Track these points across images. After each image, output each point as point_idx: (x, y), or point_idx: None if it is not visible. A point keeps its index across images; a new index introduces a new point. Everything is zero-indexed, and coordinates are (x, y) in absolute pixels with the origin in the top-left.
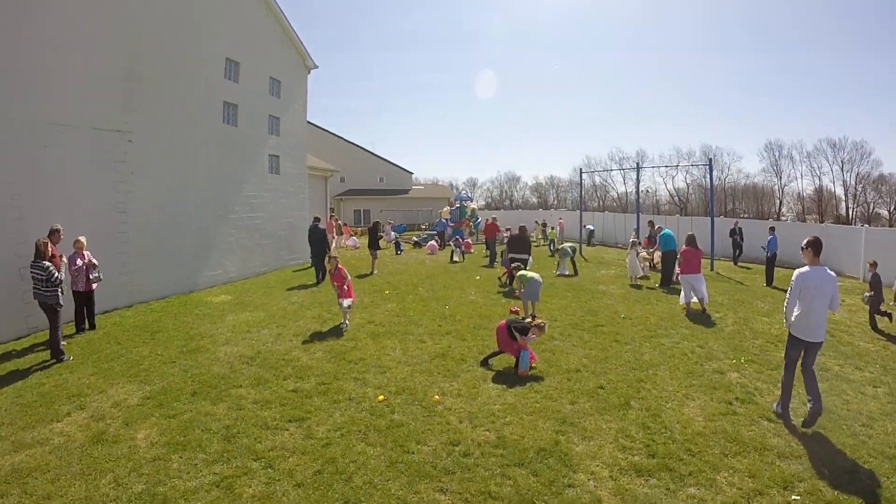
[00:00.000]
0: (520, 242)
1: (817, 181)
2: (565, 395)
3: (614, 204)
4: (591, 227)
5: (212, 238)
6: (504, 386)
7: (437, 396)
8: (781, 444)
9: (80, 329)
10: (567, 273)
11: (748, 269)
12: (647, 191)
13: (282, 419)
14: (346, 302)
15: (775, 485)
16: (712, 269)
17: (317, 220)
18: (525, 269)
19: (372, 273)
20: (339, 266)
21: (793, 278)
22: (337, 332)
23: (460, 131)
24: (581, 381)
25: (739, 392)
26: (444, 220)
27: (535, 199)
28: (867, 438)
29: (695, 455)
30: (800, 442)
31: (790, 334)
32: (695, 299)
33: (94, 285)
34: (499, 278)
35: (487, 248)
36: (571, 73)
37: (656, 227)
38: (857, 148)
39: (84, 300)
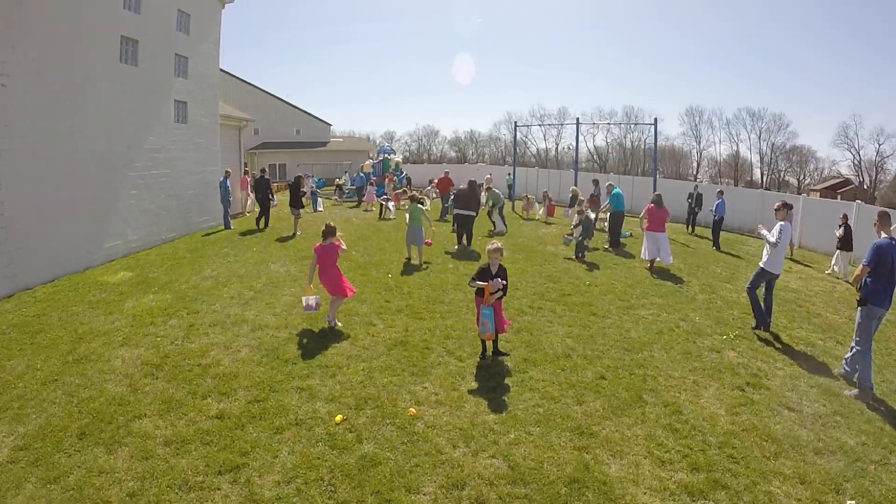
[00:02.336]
0: (468, 198)
1: (735, 147)
2: (566, 391)
3: (533, 160)
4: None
5: (109, 201)
6: (490, 384)
7: (412, 409)
8: (812, 438)
9: None
10: (501, 230)
11: (708, 239)
12: (569, 147)
13: (207, 470)
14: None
15: (828, 489)
16: None
17: (263, 171)
18: (420, 207)
19: (294, 235)
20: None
21: (776, 229)
22: (264, 316)
23: (378, 82)
24: (577, 371)
25: (746, 375)
26: (363, 174)
27: (453, 153)
28: (883, 424)
29: (738, 462)
30: (825, 432)
31: (762, 268)
32: (659, 258)
33: None
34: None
35: (443, 203)
36: (494, 29)
37: (607, 184)
38: (775, 119)
39: None
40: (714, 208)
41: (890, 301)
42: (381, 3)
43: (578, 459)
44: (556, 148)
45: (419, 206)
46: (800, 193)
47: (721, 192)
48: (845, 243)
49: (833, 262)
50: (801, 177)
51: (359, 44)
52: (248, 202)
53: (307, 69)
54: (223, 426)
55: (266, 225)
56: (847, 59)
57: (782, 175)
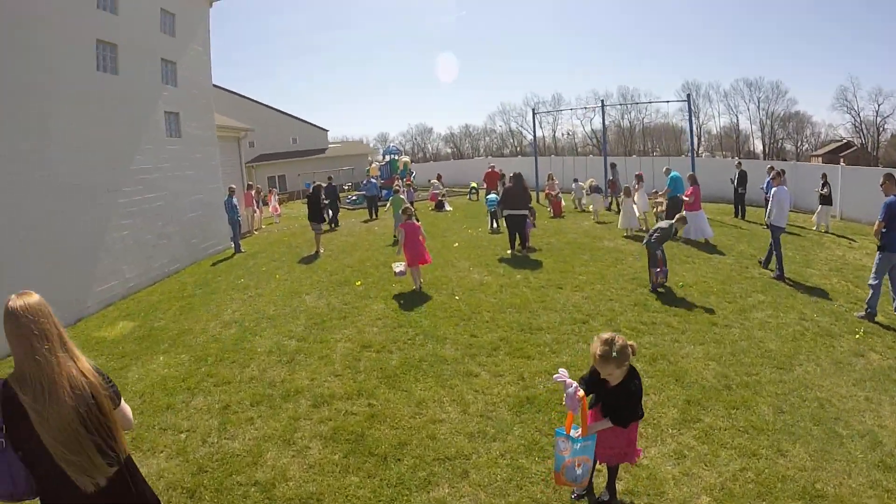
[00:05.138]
0: (516, 194)
1: (734, 119)
2: (757, 439)
3: (529, 149)
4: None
5: (98, 236)
6: (669, 446)
7: None
8: None
9: None
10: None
11: (756, 223)
12: (568, 133)
13: None
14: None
15: None
16: None
17: (330, 178)
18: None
19: (318, 254)
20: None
21: (774, 192)
22: (323, 380)
23: (365, 86)
24: (750, 407)
25: None
26: (372, 180)
27: (448, 150)
28: None
29: None
30: None
31: (772, 224)
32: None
33: None
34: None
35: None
36: (481, 20)
37: (664, 168)
38: (773, 87)
39: None
40: (765, 186)
41: None
42: (353, 8)
43: None
44: (553, 135)
45: (400, 196)
46: (799, 160)
47: (772, 169)
48: (826, 199)
49: (815, 216)
50: (799, 143)
51: (338, 51)
52: (256, 216)
53: (287, 79)
54: None
55: (336, 225)
56: (842, 19)
57: (780, 143)
